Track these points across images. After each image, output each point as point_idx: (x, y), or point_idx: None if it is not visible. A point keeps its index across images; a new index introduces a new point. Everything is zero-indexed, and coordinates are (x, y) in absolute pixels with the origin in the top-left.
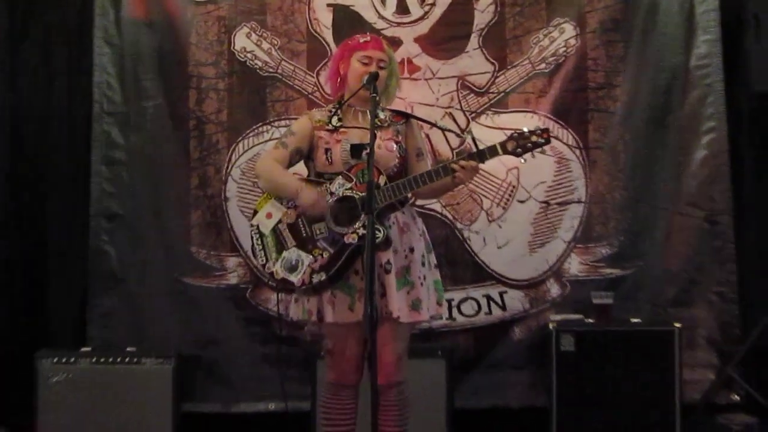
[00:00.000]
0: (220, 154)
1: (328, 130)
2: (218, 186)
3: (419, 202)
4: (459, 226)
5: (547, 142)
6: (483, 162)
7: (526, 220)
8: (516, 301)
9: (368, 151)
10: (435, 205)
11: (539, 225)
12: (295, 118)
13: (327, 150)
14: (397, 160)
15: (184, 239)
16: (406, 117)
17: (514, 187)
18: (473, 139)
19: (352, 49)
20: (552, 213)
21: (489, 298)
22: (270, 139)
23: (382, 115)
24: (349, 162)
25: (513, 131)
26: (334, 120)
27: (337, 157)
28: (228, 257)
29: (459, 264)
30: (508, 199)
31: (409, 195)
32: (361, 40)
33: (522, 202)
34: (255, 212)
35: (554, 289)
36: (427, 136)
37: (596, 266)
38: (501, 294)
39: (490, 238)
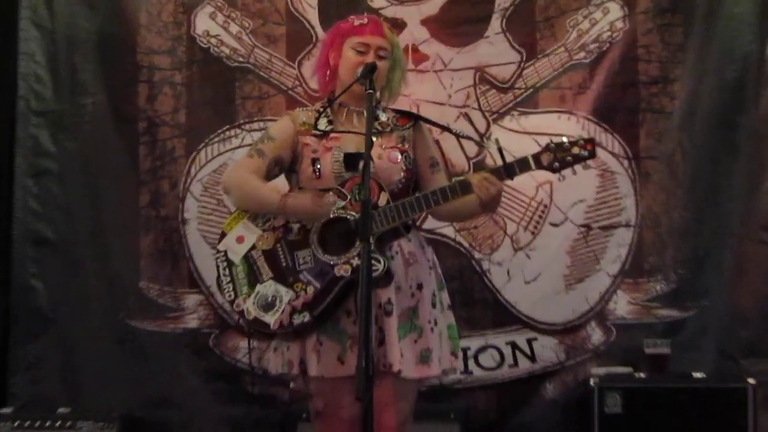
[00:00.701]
0: (177, 164)
1: (315, 136)
2: (174, 205)
3: (430, 224)
4: (477, 255)
5: (592, 155)
6: (511, 178)
7: (561, 249)
8: (548, 350)
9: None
10: (446, 229)
11: (578, 254)
12: (272, 120)
13: (314, 160)
14: (402, 174)
15: (131, 272)
16: (414, 119)
17: (545, 206)
18: (499, 150)
19: (345, 34)
20: (594, 239)
21: (514, 346)
22: (240, 146)
23: (383, 117)
24: (342, 175)
25: (549, 141)
26: (323, 123)
27: (328, 169)
28: (186, 295)
29: (477, 304)
30: (538, 222)
31: (416, 217)
32: (356, 23)
33: (556, 225)
34: (222, 235)
35: (596, 336)
36: (437, 142)
37: (649, 306)
38: (529, 341)
39: (516, 271)
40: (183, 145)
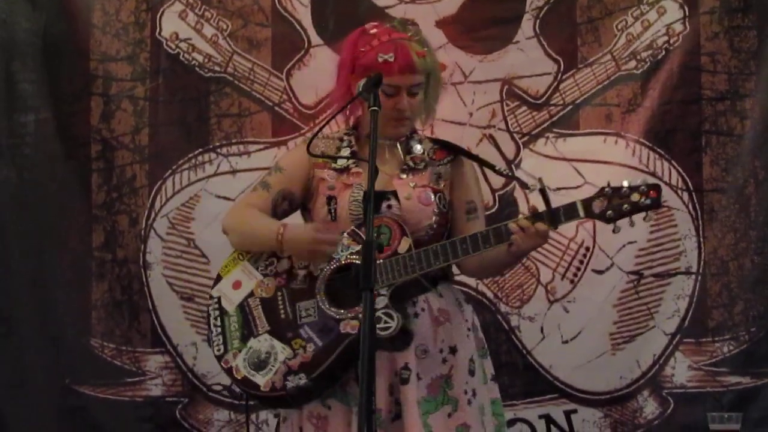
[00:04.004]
0: (138, 195)
1: (335, 170)
2: (134, 245)
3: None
4: (504, 309)
5: (656, 205)
6: (555, 227)
7: (607, 301)
8: (591, 425)
9: (390, 201)
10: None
11: (627, 308)
12: (254, 142)
13: (330, 199)
14: (434, 218)
15: (79, 327)
16: (454, 152)
17: (587, 249)
18: (543, 192)
19: (368, 68)
20: (646, 290)
21: (549, 420)
22: (216, 174)
23: (418, 150)
24: (360, 217)
25: (607, 185)
26: (344, 154)
27: (344, 210)
28: (148, 355)
29: (503, 368)
30: (578, 268)
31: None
32: (380, 59)
33: (600, 272)
34: (218, 278)
35: (650, 408)
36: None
37: (715, 372)
38: (567, 414)
39: (552, 328)
40: (145, 173)
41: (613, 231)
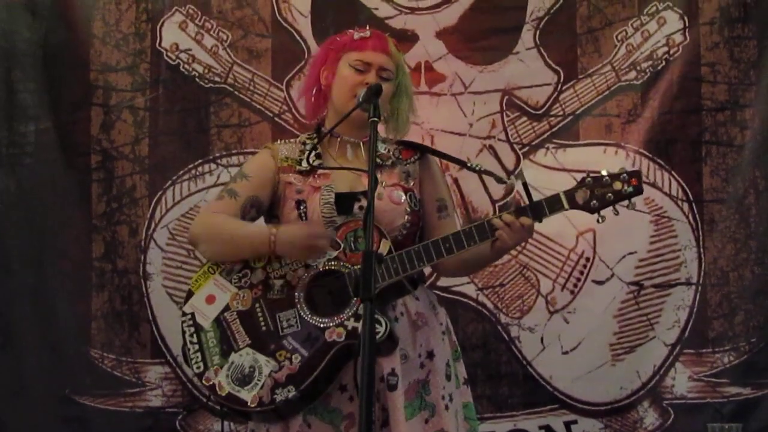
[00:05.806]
0: (138, 206)
1: (300, 173)
2: (134, 256)
3: (445, 281)
4: (504, 319)
5: (638, 191)
6: (539, 220)
7: (607, 312)
8: None
9: (362, 202)
10: (466, 287)
11: (627, 319)
12: (253, 153)
13: (299, 202)
14: (407, 217)
15: (79, 338)
16: (420, 151)
17: (588, 260)
18: (524, 185)
19: (341, 49)
20: (647, 300)
21: (549, 431)
22: (216, 185)
23: (383, 149)
24: (333, 220)
25: (586, 175)
26: (309, 157)
27: (316, 213)
28: (148, 366)
29: (503, 379)
30: (579, 279)
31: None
32: (356, 36)
33: (601, 283)
34: (189, 294)
35: (650, 418)
36: (456, 181)
37: (715, 383)
38: (568, 425)
39: (552, 339)
40: (145, 183)
41: (598, 221)
